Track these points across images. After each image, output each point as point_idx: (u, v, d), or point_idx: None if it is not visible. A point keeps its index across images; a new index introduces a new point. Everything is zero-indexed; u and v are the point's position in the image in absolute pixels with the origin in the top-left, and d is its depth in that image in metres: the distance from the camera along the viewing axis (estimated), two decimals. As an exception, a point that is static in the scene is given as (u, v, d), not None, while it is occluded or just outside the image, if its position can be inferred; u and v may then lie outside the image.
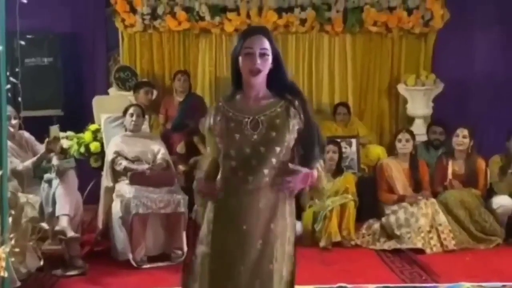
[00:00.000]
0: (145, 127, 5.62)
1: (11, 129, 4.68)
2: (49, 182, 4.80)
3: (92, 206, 5.52)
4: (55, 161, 4.87)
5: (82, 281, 4.46)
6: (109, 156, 5.16)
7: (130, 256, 4.70)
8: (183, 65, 6.99)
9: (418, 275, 4.59)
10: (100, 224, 5.30)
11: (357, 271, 4.70)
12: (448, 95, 6.82)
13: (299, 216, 4.81)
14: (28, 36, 5.85)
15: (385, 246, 5.21)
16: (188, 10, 6.79)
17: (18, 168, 4.73)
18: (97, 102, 6.15)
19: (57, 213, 4.66)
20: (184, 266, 2.67)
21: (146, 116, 5.67)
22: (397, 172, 5.56)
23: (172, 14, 6.77)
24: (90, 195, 5.60)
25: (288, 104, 2.59)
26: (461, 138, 5.56)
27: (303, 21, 6.84)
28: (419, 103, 6.79)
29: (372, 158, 6.38)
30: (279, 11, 6.81)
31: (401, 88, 6.90)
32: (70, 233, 4.56)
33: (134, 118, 5.30)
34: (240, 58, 2.56)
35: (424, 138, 6.41)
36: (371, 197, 5.65)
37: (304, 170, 2.60)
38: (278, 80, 2.62)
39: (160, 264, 4.77)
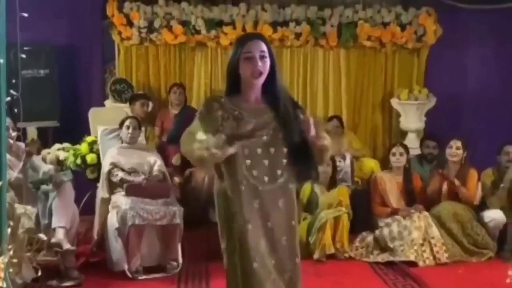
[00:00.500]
0: (141, 139, 5.66)
1: (10, 141, 4.70)
2: (46, 194, 4.82)
3: (87, 217, 5.52)
4: (49, 170, 4.89)
5: (78, 292, 4.48)
6: (105, 167, 5.19)
7: (126, 267, 4.71)
8: (178, 78, 7.04)
9: (411, 287, 4.62)
10: (95, 235, 5.30)
11: (351, 283, 4.74)
12: (440, 109, 6.91)
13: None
14: (25, 48, 5.87)
15: (378, 259, 5.24)
16: (184, 23, 6.85)
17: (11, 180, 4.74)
18: (93, 113, 6.19)
19: (53, 225, 4.67)
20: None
21: (143, 128, 5.71)
22: (390, 186, 5.60)
23: (169, 28, 6.83)
24: (86, 206, 5.59)
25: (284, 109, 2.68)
26: (455, 150, 5.62)
27: (298, 35, 6.92)
28: (412, 117, 6.87)
29: (366, 171, 6.43)
30: (274, 25, 6.89)
31: (394, 102, 6.98)
32: (66, 246, 4.57)
33: (130, 130, 5.34)
34: (240, 63, 2.62)
35: (417, 151, 6.46)
36: (364, 210, 5.67)
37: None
38: (271, 86, 2.69)
39: (155, 275, 4.78)
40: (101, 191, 5.23)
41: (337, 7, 6.97)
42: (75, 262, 4.75)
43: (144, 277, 4.74)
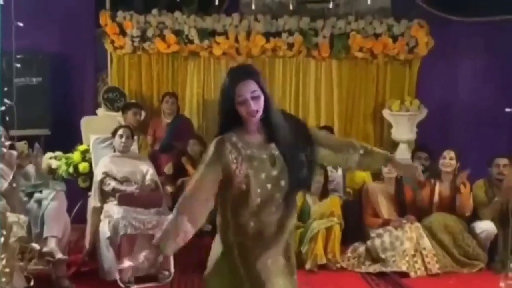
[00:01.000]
0: (134, 148, 5.65)
1: (4, 150, 4.68)
2: (39, 202, 4.80)
3: (79, 226, 5.51)
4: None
5: (69, 302, 4.46)
6: (97, 176, 5.18)
7: (117, 277, 4.69)
8: (171, 87, 7.07)
9: (403, 298, 4.66)
10: (87, 244, 5.29)
11: (343, 293, 4.76)
12: (431, 120, 6.95)
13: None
14: (18, 56, 5.83)
15: (370, 269, 5.26)
16: (177, 33, 6.88)
17: (1, 190, 4.72)
18: (86, 122, 6.18)
19: (45, 234, 4.66)
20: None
21: (135, 137, 5.71)
22: (382, 197, 5.63)
23: (162, 37, 6.85)
24: (77, 215, 5.59)
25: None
26: (448, 160, 5.65)
27: (290, 46, 6.96)
28: (403, 128, 6.91)
29: (358, 181, 6.44)
30: (267, 35, 6.92)
31: (386, 113, 7.01)
32: (58, 255, 4.56)
33: (123, 139, 5.34)
34: (235, 103, 2.55)
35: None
36: (356, 221, 5.69)
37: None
38: (267, 119, 2.62)
39: (147, 284, 4.78)
40: (93, 200, 5.22)
41: (329, 18, 7.01)
42: (67, 271, 4.74)
43: (135, 286, 4.73)
